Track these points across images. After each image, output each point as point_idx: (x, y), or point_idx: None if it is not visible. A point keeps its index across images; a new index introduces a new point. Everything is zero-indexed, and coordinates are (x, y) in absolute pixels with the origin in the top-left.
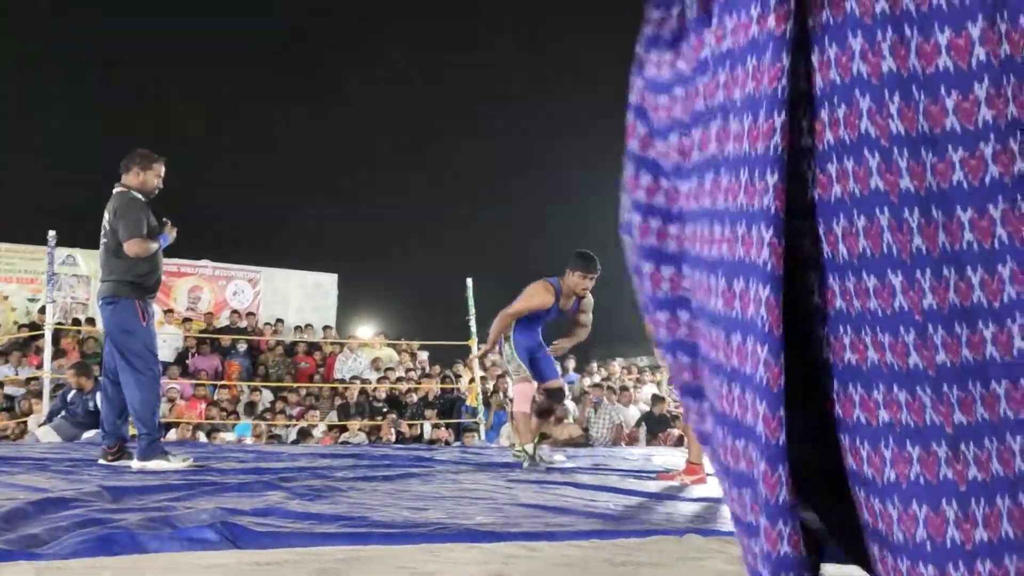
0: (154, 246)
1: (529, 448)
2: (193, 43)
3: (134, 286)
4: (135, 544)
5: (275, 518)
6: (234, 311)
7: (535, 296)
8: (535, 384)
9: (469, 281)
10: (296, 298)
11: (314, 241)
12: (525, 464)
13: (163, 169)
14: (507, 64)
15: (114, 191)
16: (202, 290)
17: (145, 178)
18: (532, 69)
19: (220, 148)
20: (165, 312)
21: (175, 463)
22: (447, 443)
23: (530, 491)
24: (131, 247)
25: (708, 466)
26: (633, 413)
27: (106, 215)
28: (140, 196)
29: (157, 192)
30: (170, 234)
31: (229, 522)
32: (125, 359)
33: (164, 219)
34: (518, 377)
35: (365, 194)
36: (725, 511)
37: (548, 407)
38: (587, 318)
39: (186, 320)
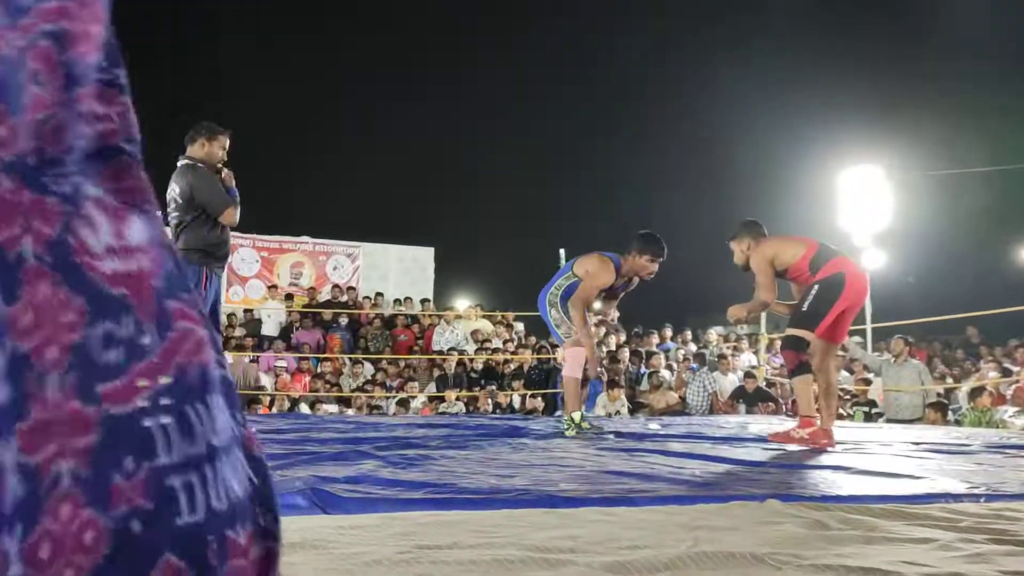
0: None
1: (576, 416)
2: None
3: (205, 254)
4: None
5: (365, 485)
6: (335, 285)
7: (601, 275)
8: (585, 350)
9: (562, 252)
10: (394, 272)
11: (411, 216)
12: (569, 432)
13: (227, 141)
14: (592, 43)
15: (179, 163)
16: (303, 266)
17: (211, 150)
18: (619, 46)
19: (320, 128)
20: (268, 288)
21: None
22: (542, 413)
23: (619, 459)
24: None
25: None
26: (732, 381)
27: (173, 187)
28: (205, 168)
29: (222, 164)
30: (233, 186)
31: (319, 489)
32: None
33: (221, 169)
34: (570, 340)
35: (460, 168)
36: (810, 477)
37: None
38: (615, 301)
39: (288, 296)
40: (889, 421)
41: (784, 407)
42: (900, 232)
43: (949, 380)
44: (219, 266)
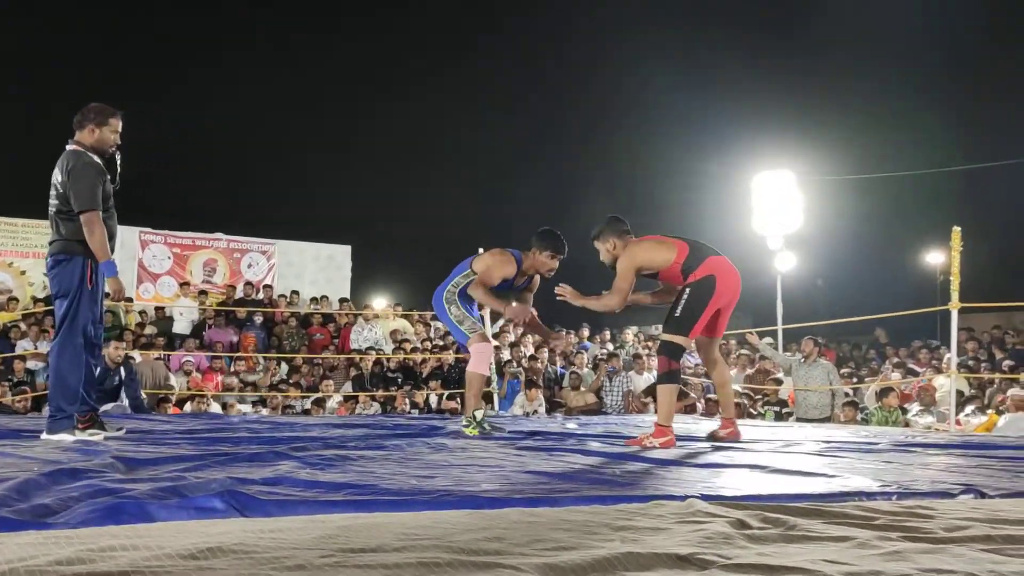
0: (102, 229)
1: (479, 414)
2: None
3: (87, 245)
4: (143, 513)
5: (284, 487)
6: (248, 283)
7: (502, 266)
8: (492, 343)
9: (481, 251)
10: (310, 270)
11: (328, 213)
12: (470, 431)
13: (120, 124)
14: (518, 50)
15: (67, 148)
16: (217, 263)
17: (101, 135)
18: (544, 51)
19: (232, 123)
20: (181, 285)
21: (82, 435)
22: (460, 413)
23: (539, 459)
24: (86, 223)
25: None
26: (647, 380)
27: (57, 174)
28: (95, 157)
29: (113, 149)
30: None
31: (237, 491)
32: (60, 322)
33: (115, 154)
34: (474, 335)
35: (376, 166)
36: (728, 476)
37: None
38: (531, 296)
39: (202, 292)
40: (799, 420)
41: (698, 405)
42: (810, 235)
43: (855, 380)
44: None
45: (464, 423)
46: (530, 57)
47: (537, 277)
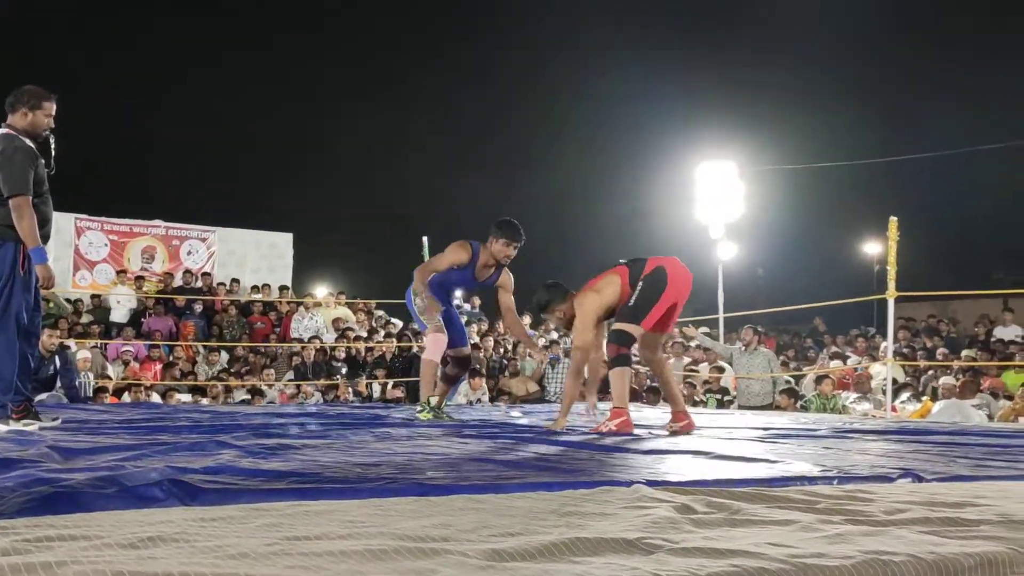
0: (32, 215)
1: (433, 400)
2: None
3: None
4: (81, 503)
5: (226, 476)
6: (187, 271)
7: (454, 252)
8: (447, 336)
9: (425, 239)
10: (251, 258)
11: (268, 200)
12: (423, 416)
13: (55, 108)
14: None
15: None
16: (155, 250)
17: (34, 119)
18: (489, 42)
19: (172, 106)
20: (118, 272)
21: (16, 425)
22: (402, 401)
23: (484, 446)
24: (15, 207)
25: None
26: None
27: None
28: (27, 140)
29: (46, 133)
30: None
31: (178, 480)
32: None
33: (48, 138)
34: (431, 327)
35: (319, 153)
36: (672, 462)
37: (456, 374)
38: (509, 299)
39: (139, 279)
40: (741, 408)
41: (641, 396)
42: (751, 225)
43: (794, 368)
44: None
45: (418, 408)
46: (476, 53)
47: (507, 276)
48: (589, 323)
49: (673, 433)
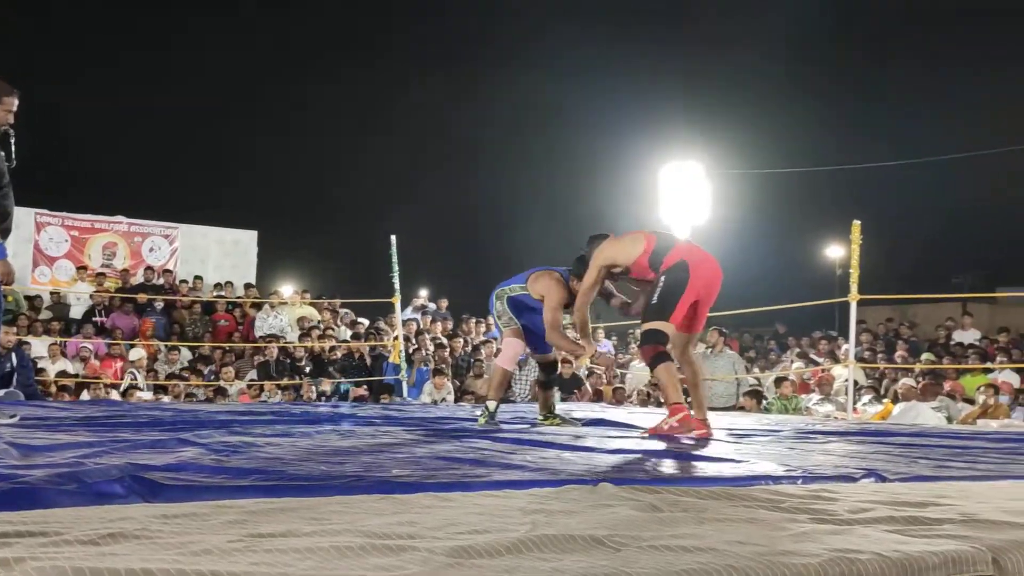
0: None
1: (492, 405)
2: None
3: None
4: (41, 499)
5: (188, 473)
6: (148, 268)
7: (560, 290)
8: (522, 343)
9: (393, 238)
10: (215, 255)
11: (233, 197)
12: (482, 421)
13: (16, 103)
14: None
15: None
16: (117, 246)
17: None
18: (455, 40)
19: (138, 101)
20: (78, 269)
21: None
22: (367, 400)
23: (450, 444)
24: None
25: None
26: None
27: None
28: None
29: (6, 128)
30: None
31: (139, 476)
32: None
33: (8, 134)
34: (508, 329)
35: (286, 151)
36: (638, 461)
37: (544, 380)
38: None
39: (100, 275)
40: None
41: (601, 394)
42: (717, 227)
43: (757, 370)
44: None
45: (479, 412)
46: (443, 51)
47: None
48: (593, 270)
49: (678, 431)
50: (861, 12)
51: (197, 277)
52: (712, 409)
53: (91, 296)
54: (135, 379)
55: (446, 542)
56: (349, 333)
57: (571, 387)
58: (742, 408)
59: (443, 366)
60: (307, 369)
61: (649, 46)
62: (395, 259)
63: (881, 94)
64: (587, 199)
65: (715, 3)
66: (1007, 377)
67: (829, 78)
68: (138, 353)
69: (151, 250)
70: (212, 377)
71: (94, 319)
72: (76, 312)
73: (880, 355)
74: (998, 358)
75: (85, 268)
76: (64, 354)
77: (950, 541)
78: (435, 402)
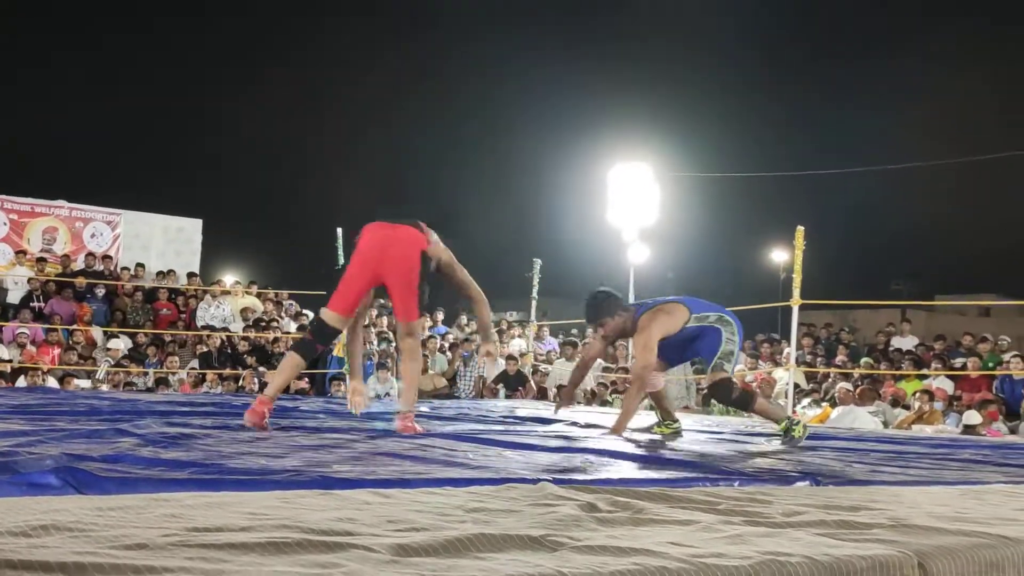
0: None
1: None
2: None
3: None
4: None
5: (124, 465)
6: (90, 254)
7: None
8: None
9: (339, 230)
10: (158, 243)
11: (177, 185)
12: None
13: None
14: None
15: None
16: (57, 231)
17: None
18: (415, 40)
19: (80, 82)
20: (17, 253)
21: None
22: (309, 394)
23: (392, 441)
24: None
25: None
26: (500, 366)
27: None
28: None
29: None
30: None
31: (74, 467)
32: None
33: None
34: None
35: (233, 138)
36: (579, 460)
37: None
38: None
39: (40, 260)
40: (653, 409)
41: (548, 392)
42: (663, 229)
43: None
44: None
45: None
46: (398, 50)
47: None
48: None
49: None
50: (811, 22)
51: (139, 264)
52: None
53: (29, 281)
54: (107, 366)
55: (385, 539)
56: (294, 325)
57: (516, 384)
58: (687, 408)
59: (387, 360)
60: (248, 360)
61: (596, 48)
62: (341, 251)
63: (829, 104)
64: (536, 200)
65: (664, 9)
66: (941, 384)
67: (779, 86)
68: (117, 344)
69: (92, 236)
70: (156, 366)
71: (32, 304)
72: (14, 297)
73: (820, 359)
74: (933, 365)
75: (24, 252)
76: (0, 339)
77: (879, 545)
78: (378, 396)
